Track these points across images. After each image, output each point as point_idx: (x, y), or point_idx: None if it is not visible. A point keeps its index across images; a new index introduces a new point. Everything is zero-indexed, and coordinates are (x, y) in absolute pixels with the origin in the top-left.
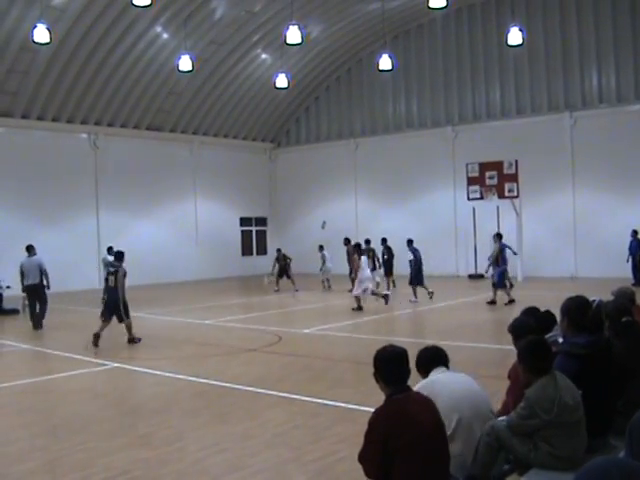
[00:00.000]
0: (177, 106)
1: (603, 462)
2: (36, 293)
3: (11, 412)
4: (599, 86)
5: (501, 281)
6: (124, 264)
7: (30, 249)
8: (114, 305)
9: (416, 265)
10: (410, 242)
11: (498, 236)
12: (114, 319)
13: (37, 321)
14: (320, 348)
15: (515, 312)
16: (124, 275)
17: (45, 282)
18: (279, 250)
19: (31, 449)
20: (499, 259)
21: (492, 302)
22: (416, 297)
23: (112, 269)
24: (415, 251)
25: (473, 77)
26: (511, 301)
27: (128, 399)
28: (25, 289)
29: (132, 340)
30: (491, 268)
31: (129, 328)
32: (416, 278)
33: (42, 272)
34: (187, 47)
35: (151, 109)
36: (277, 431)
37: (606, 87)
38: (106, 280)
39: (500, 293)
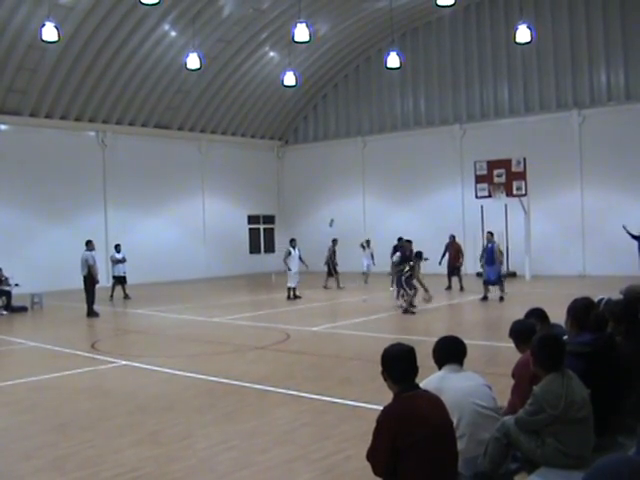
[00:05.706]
0: (185, 104)
1: (613, 460)
2: (84, 284)
3: (19, 409)
4: (607, 84)
5: (497, 279)
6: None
7: (86, 244)
8: (397, 280)
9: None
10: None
11: (490, 234)
12: None
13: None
14: (328, 346)
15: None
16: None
17: (92, 275)
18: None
19: (39, 446)
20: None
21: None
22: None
23: (412, 263)
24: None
25: (481, 75)
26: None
27: (136, 397)
28: None
29: (406, 311)
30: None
31: (408, 300)
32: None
33: (86, 266)
34: (195, 45)
35: (159, 107)
36: (284, 429)
37: (615, 85)
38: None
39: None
